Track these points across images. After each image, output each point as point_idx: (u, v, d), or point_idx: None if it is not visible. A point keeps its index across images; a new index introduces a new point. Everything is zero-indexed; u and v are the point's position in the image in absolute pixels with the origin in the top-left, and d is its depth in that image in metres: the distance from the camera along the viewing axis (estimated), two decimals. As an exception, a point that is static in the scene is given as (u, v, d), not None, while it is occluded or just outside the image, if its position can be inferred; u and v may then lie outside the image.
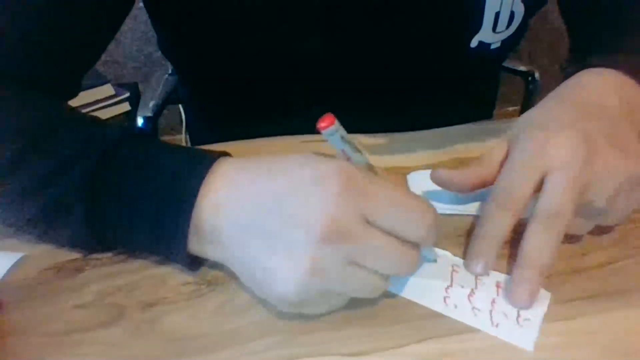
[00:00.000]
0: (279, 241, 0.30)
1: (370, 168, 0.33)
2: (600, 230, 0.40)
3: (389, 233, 0.31)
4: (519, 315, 0.34)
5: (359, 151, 0.33)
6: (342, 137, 0.31)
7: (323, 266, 0.30)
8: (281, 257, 0.30)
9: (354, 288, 0.32)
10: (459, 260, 0.38)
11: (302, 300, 0.31)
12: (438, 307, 0.34)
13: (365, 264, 0.31)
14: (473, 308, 0.34)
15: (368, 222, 0.30)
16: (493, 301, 0.35)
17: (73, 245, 0.39)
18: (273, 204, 0.31)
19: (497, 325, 0.33)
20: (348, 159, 0.32)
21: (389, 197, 0.31)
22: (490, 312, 0.34)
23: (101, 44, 0.50)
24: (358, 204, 0.30)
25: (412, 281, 0.36)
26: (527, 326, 0.33)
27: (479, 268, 0.36)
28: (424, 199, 0.32)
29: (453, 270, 0.37)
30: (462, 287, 0.36)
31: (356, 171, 0.31)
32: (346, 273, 0.30)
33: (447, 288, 0.36)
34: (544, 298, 0.35)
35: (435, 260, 0.37)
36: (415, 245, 0.32)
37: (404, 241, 0.31)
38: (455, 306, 0.34)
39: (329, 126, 0.30)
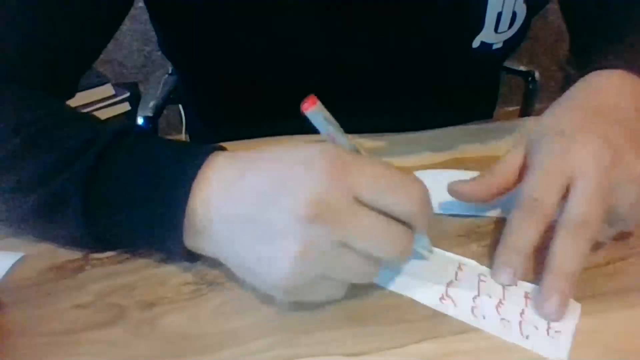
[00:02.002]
0: (268, 228, 0.30)
1: (354, 148, 0.33)
2: (622, 236, 0.39)
3: (379, 212, 0.30)
4: (549, 327, 0.33)
5: (343, 133, 0.32)
6: (326, 119, 0.31)
7: (313, 248, 0.29)
8: (272, 244, 0.30)
9: (346, 271, 0.31)
10: (485, 270, 0.37)
11: (297, 286, 0.31)
12: (466, 318, 0.33)
13: (354, 245, 0.30)
14: (502, 319, 0.33)
15: (357, 201, 0.30)
16: (522, 312, 0.34)
17: (71, 242, 0.39)
18: (261, 193, 0.31)
19: (527, 337, 0.32)
20: (333, 139, 0.32)
21: (375, 173, 0.31)
22: (520, 323, 0.33)
23: (99, 44, 0.50)
24: (345, 183, 0.30)
25: (439, 288, 0.35)
26: (558, 338, 0.32)
27: (507, 279, 0.35)
28: (413, 175, 0.32)
29: (480, 280, 0.36)
30: (490, 297, 0.35)
31: (341, 151, 0.31)
32: (337, 254, 0.30)
33: (474, 298, 0.35)
34: (575, 309, 0.34)
35: (431, 251, 0.37)
36: (408, 229, 0.32)
37: (396, 222, 0.31)
38: (484, 317, 0.33)
39: (312, 107, 0.30)
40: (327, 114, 0.31)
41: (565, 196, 0.35)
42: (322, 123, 0.31)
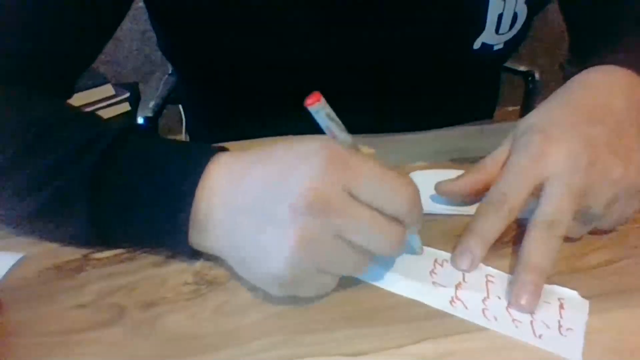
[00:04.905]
0: (266, 219, 0.31)
1: (354, 146, 0.34)
2: (597, 231, 0.40)
3: (372, 208, 0.31)
4: (560, 325, 0.33)
5: (344, 130, 0.34)
6: (328, 115, 0.32)
7: (310, 239, 0.30)
8: (270, 234, 0.31)
9: (339, 263, 0.32)
10: (491, 270, 0.37)
11: (292, 277, 0.31)
12: (478, 319, 0.33)
13: (349, 237, 0.31)
14: (514, 320, 0.33)
15: (352, 195, 0.31)
16: (532, 312, 0.34)
17: (75, 240, 0.39)
18: (261, 187, 0.32)
19: (540, 337, 0.32)
20: (334, 136, 0.33)
21: (371, 170, 0.32)
22: (532, 322, 0.33)
23: (98, 45, 0.51)
24: (341, 177, 0.31)
25: (448, 291, 0.35)
26: (571, 336, 0.32)
27: (466, 264, 0.37)
28: (407, 175, 0.32)
29: (488, 281, 0.36)
30: (500, 298, 0.35)
31: (339, 147, 0.32)
32: (331, 245, 0.31)
33: (484, 300, 0.35)
34: (583, 306, 0.34)
35: (421, 249, 0.38)
36: (400, 224, 0.33)
37: (388, 217, 0.32)
38: (496, 318, 0.33)
39: (315, 103, 0.31)
40: (329, 110, 0.32)
41: (537, 194, 0.36)
42: (324, 119, 0.33)
